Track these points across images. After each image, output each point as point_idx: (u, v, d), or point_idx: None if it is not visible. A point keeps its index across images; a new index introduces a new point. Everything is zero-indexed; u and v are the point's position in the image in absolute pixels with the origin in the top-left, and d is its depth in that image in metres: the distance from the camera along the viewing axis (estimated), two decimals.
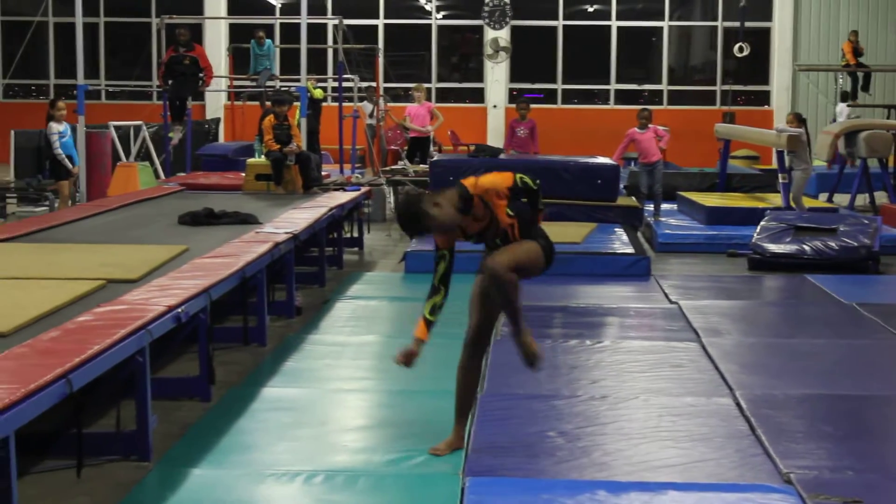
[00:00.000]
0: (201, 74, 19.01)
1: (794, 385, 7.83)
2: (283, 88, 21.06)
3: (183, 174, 18.89)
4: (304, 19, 16.93)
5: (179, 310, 6.78)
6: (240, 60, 25.18)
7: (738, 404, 7.30)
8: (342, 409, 7.25)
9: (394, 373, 8.15)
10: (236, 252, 8.90)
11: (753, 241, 13.48)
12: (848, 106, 23.70)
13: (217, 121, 27.16)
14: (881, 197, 19.01)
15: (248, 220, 11.09)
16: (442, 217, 6.04)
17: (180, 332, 7.20)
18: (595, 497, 5.62)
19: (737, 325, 9.95)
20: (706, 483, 5.84)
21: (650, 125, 16.37)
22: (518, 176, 6.14)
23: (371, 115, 23.07)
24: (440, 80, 29.37)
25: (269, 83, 22.44)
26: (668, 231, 15.13)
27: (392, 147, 22.26)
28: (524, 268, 6.18)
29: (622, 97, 29.06)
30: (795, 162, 15.40)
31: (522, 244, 6.18)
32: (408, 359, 6.28)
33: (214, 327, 8.82)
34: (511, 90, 28.82)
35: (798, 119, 15.84)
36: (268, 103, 17.65)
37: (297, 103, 17.08)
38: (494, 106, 28.72)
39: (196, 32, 27.94)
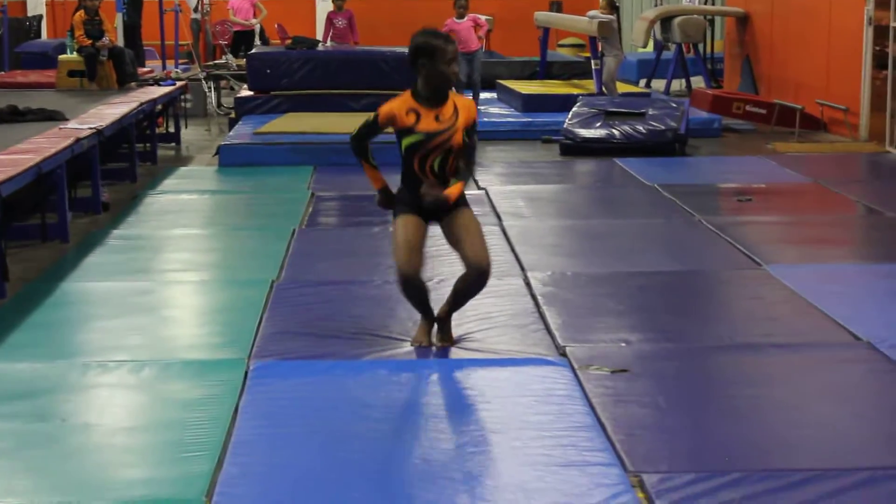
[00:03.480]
0: None
1: (585, 265, 8.10)
2: None
3: (5, 73, 18.47)
4: None
5: None
6: None
7: (527, 283, 7.53)
8: (137, 300, 7.28)
9: (197, 265, 8.29)
10: (35, 149, 8.82)
11: (565, 126, 13.73)
12: None
13: (39, 17, 26.48)
14: (699, 82, 19.41)
15: (53, 116, 10.97)
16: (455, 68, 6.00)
17: None
18: (376, 375, 5.81)
19: (540, 208, 10.20)
20: (483, 358, 6.06)
21: (468, 14, 16.45)
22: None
23: (196, 10, 22.78)
24: None
25: None
26: (484, 119, 15.28)
27: (220, 42, 22.03)
28: None
29: None
30: (607, 48, 15.65)
31: (472, 222, 6.13)
32: (387, 205, 6.25)
33: (15, 225, 8.82)
34: None
35: (611, 6, 16.08)
36: None
37: None
38: None
39: None
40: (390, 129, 6.13)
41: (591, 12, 16.48)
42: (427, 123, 6.01)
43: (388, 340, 6.37)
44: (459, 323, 6.54)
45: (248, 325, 6.64)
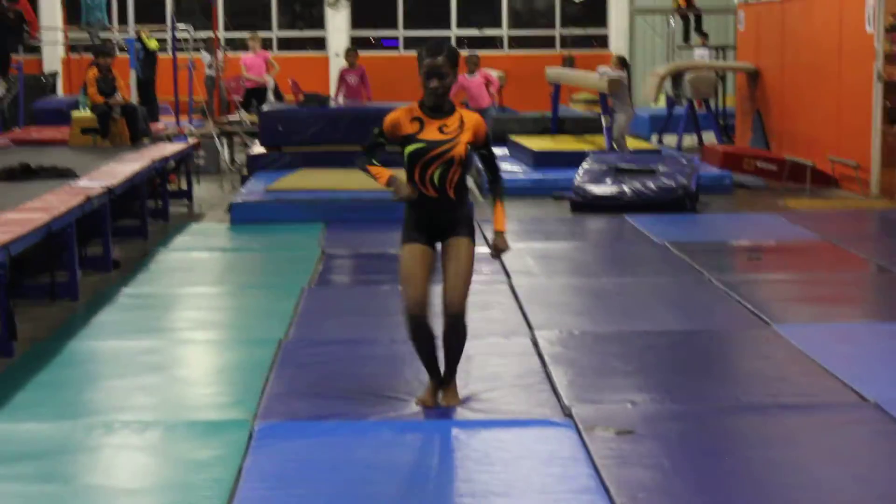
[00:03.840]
0: (26, 27, 18.73)
1: (593, 323, 8.09)
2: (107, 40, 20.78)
3: (20, 130, 18.60)
4: None
5: None
6: (75, 12, 24.74)
7: (535, 343, 7.53)
8: (144, 360, 7.28)
9: (206, 324, 8.30)
10: (45, 207, 8.87)
11: (575, 183, 13.75)
12: (703, 49, 24.06)
13: (55, 74, 26.69)
14: (711, 137, 19.44)
15: (65, 174, 11.02)
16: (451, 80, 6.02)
17: None
18: (380, 436, 5.80)
19: (549, 266, 10.21)
20: (488, 420, 6.05)
21: (479, 70, 16.53)
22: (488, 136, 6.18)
23: (210, 66, 22.92)
24: (280, 28, 29.18)
25: (103, 34, 22.12)
26: None
27: (235, 97, 22.14)
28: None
29: (468, 44, 29.11)
30: (617, 104, 15.70)
31: (464, 257, 6.08)
32: (405, 190, 6.12)
33: (25, 283, 8.85)
34: (353, 38, 28.76)
35: (621, 62, 16.15)
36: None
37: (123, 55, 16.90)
38: (336, 54, 28.62)
39: None
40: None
41: (602, 68, 16.56)
42: (430, 133, 6.04)
43: (394, 401, 6.36)
44: (465, 383, 6.55)
45: (254, 384, 6.64)
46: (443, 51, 6.01)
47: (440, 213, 6.12)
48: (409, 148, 6.05)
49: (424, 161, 6.03)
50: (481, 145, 6.12)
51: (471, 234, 6.16)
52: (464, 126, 6.06)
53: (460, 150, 6.01)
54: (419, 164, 6.05)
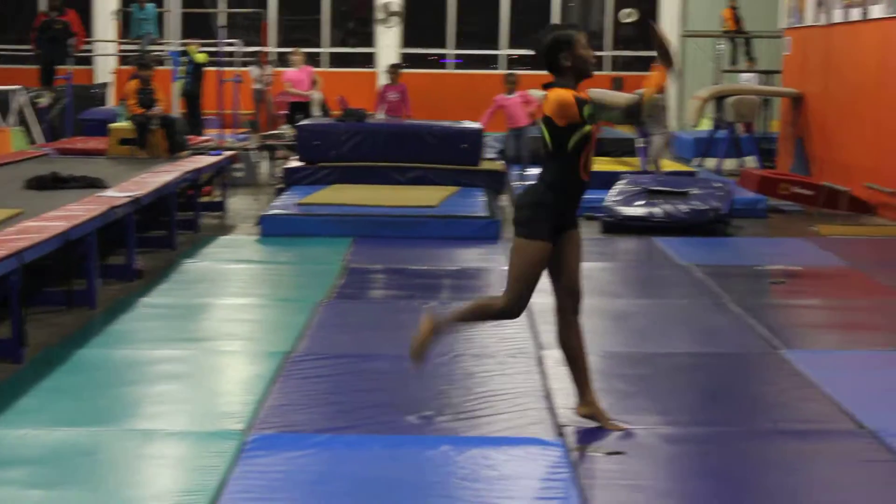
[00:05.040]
0: (72, 39, 18.98)
1: (602, 344, 8.06)
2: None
3: (66, 139, 18.84)
4: None
5: None
6: (128, 25, 25.01)
7: (540, 362, 7.54)
8: (150, 369, 7.35)
9: (218, 335, 8.38)
10: (66, 216, 8.98)
11: (606, 203, 13.75)
12: (749, 72, 24.00)
13: (105, 85, 26.98)
14: (754, 161, 19.36)
15: (95, 183, 11.15)
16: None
17: None
18: (371, 450, 5.84)
19: None
20: (479, 437, 6.07)
21: (518, 90, 16.56)
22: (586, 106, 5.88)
23: (258, 80, 23.12)
24: (334, 44, 29.33)
25: (152, 47, 22.37)
26: None
27: (282, 112, 22.31)
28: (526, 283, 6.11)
29: (518, 62, 29.13)
30: (653, 126, 15.67)
31: (580, 247, 6.22)
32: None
33: (42, 291, 8.96)
34: (403, 55, 28.86)
35: None
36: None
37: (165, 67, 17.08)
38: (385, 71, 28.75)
39: None
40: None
41: (639, 90, 16.49)
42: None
43: (393, 415, 6.40)
44: (465, 399, 6.58)
45: (255, 396, 6.70)
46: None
47: (576, 201, 6.08)
48: (580, 133, 5.88)
49: (589, 145, 5.93)
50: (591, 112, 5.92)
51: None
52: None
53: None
54: (585, 149, 5.92)
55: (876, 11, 15.46)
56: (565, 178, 5.97)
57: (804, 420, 6.46)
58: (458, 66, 29.23)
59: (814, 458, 5.90)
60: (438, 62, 29.29)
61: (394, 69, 18.66)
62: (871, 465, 5.79)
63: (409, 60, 28.59)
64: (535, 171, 17.31)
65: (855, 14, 16.27)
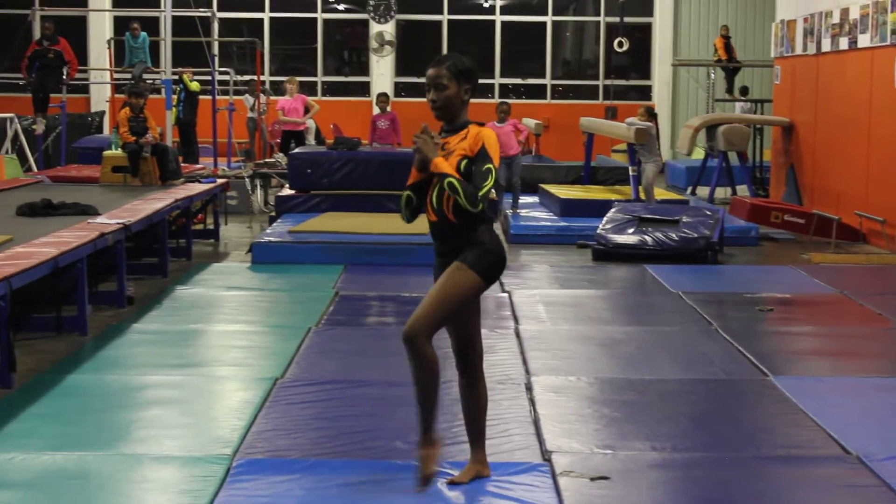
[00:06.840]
0: (66, 67, 19.07)
1: (589, 371, 8.10)
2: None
3: (60, 167, 18.89)
4: (168, 12, 17.16)
5: None
6: (121, 54, 25.09)
7: (528, 388, 7.56)
8: (140, 395, 7.37)
9: (207, 361, 8.40)
10: (55, 242, 9.01)
11: (598, 232, 13.79)
12: (743, 101, 24.13)
13: (101, 114, 27.05)
14: (746, 190, 19.41)
15: (86, 211, 11.18)
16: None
17: None
18: (355, 476, 5.85)
19: (559, 313, 10.23)
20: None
21: (509, 119, 16.63)
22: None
23: (252, 109, 23.21)
24: (328, 73, 29.44)
25: (145, 76, 22.42)
26: (521, 223, 15.40)
27: (276, 140, 22.37)
28: (449, 315, 5.59)
29: (511, 91, 29.22)
30: (645, 155, 15.72)
31: (448, 283, 5.52)
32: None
33: (32, 317, 8.98)
34: (396, 84, 28.98)
35: (648, 113, 16.16)
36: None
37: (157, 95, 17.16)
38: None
39: (80, 24, 27.92)
40: None
41: (630, 119, 16.58)
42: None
43: (378, 441, 6.42)
44: (450, 424, 6.59)
45: (243, 421, 6.72)
46: (446, 61, 5.57)
47: (443, 240, 5.63)
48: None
49: (425, 182, 5.62)
50: (473, 158, 5.47)
51: (475, 265, 5.51)
52: (465, 142, 5.52)
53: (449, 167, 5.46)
54: (428, 187, 5.64)
55: (864, 40, 15.54)
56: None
57: (791, 446, 6.48)
58: None
59: (800, 483, 5.92)
60: None
61: (383, 98, 18.80)
62: (856, 490, 5.80)
63: (403, 89, 28.78)
64: (529, 199, 17.45)
65: (843, 43, 16.35)
